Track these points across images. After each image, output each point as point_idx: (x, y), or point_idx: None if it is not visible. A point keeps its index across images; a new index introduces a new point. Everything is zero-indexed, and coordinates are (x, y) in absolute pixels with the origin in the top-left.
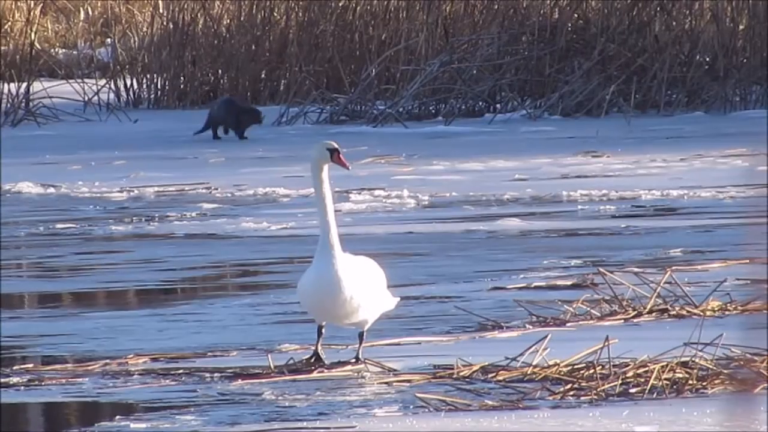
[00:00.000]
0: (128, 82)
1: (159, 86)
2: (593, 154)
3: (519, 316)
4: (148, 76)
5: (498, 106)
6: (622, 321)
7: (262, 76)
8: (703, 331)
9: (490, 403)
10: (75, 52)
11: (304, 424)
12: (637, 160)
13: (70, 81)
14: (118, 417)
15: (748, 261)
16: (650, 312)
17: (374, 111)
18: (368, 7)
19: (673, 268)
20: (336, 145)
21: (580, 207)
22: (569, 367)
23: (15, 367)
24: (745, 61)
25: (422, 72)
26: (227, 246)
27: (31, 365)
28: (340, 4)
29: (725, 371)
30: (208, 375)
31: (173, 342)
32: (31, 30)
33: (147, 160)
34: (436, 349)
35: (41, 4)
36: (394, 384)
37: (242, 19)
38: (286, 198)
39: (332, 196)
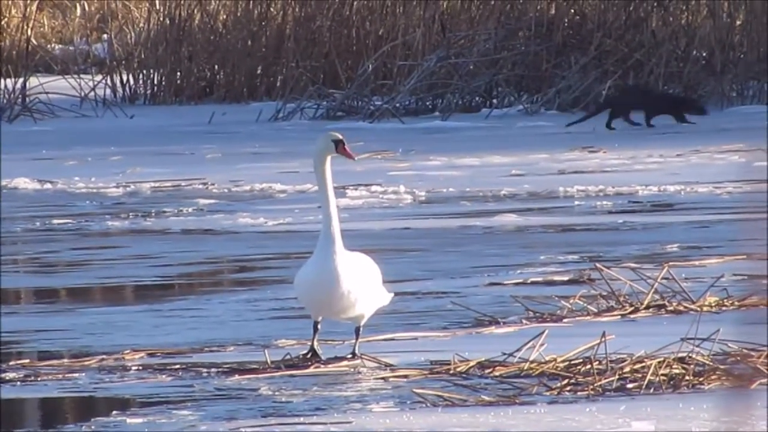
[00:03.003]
0: (124, 78)
1: (155, 82)
2: (590, 149)
3: (516, 311)
4: (145, 71)
5: (495, 101)
6: (619, 317)
7: (259, 71)
8: (700, 327)
9: (487, 398)
10: (71, 48)
11: (301, 419)
12: (634, 156)
13: (67, 77)
14: (114, 412)
15: (745, 256)
16: (647, 307)
17: (371, 106)
18: (365, 3)
19: (670, 263)
20: (341, 136)
21: (576, 202)
22: (566, 363)
23: (11, 363)
24: (742, 56)
25: (419, 67)
26: (224, 242)
27: (27, 360)
28: (337, 0)
29: (722, 367)
30: (204, 370)
31: (170, 337)
32: (28, 26)
33: (143, 156)
34: (432, 345)
35: (38, 0)
36: (391, 379)
37: (239, 14)
38: (283, 194)
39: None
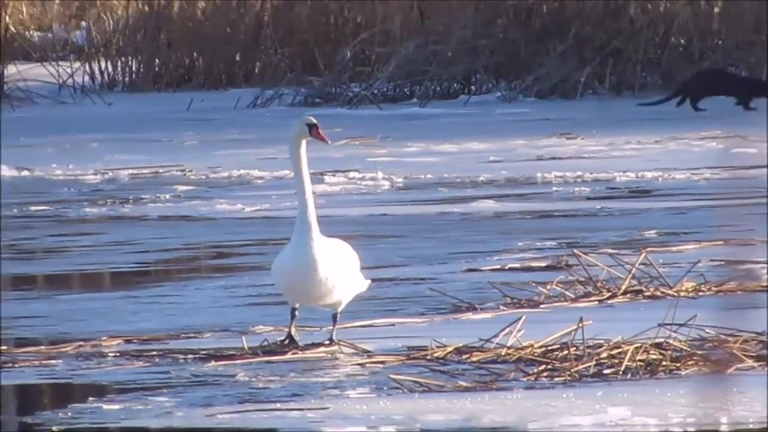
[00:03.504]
0: (103, 65)
1: (134, 69)
2: (568, 136)
3: (493, 297)
4: (123, 58)
5: (473, 88)
6: (597, 302)
7: (237, 58)
8: (677, 312)
9: (464, 384)
10: (50, 35)
11: (278, 405)
12: (612, 142)
13: (45, 64)
14: (91, 398)
15: (722, 242)
16: (624, 293)
17: (349, 93)
18: None
19: (648, 249)
20: (315, 121)
21: (554, 189)
22: (543, 349)
23: None
24: (720, 43)
25: (397, 54)
26: (201, 228)
27: (4, 347)
28: None
29: (699, 352)
30: (181, 357)
31: (147, 324)
32: (6, 13)
33: (121, 143)
34: (410, 331)
35: None
36: (368, 365)
37: (217, 1)
38: (261, 180)
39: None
